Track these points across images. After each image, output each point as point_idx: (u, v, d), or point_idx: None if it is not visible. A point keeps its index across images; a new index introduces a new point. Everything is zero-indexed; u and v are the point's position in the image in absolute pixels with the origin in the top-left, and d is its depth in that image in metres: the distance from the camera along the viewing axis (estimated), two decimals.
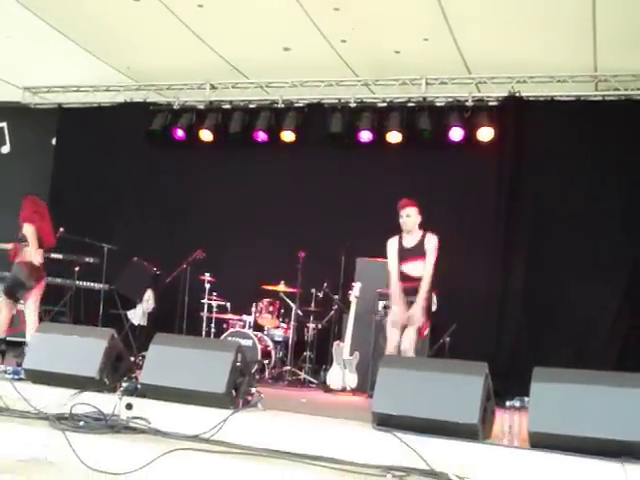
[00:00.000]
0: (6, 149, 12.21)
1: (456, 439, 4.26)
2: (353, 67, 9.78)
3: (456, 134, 9.43)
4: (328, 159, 10.09)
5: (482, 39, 8.50)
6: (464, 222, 9.28)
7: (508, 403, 5.03)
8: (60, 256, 9.84)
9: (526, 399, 4.50)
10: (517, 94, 9.35)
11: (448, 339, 8.32)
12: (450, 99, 9.72)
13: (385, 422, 4.48)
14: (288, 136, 10.16)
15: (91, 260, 9.71)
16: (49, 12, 8.82)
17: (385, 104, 10.04)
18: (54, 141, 11.81)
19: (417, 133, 9.59)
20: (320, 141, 10.10)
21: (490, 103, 9.59)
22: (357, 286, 8.29)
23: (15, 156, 12.09)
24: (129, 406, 4.96)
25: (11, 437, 4.71)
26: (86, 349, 5.41)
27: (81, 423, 4.68)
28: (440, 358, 7.76)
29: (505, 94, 9.44)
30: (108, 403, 4.96)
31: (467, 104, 9.57)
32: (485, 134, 9.36)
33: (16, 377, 5.61)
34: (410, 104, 9.88)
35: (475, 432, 4.27)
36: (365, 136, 9.86)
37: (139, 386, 5.19)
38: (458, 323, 8.36)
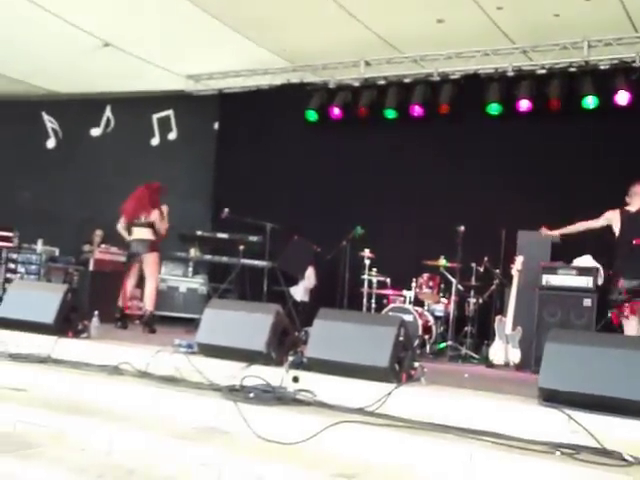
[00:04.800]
0: (173, 135, 12.82)
1: (629, 417, 4.09)
2: (509, 34, 9.48)
3: (623, 98, 8.95)
4: (487, 131, 9.88)
5: None
6: None
7: None
8: (226, 236, 10.26)
9: None
10: None
11: None
12: (615, 61, 9.23)
13: (552, 398, 4.36)
14: (444, 109, 10.02)
15: (255, 239, 10.02)
16: (206, 0, 9.14)
17: (545, 71, 9.68)
18: (216, 126, 12.30)
19: (579, 100, 9.17)
20: (478, 112, 9.88)
21: None
22: (519, 259, 8.09)
23: (181, 142, 12.69)
24: (295, 379, 5.12)
25: (187, 406, 5.00)
26: (254, 324, 5.62)
27: (251, 395, 4.88)
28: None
29: None
30: (275, 376, 5.14)
31: (634, 65, 9.05)
32: None
33: (190, 350, 5.92)
34: (571, 69, 9.47)
35: None
36: (524, 105, 9.56)
37: (305, 360, 5.33)
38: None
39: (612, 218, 7.38)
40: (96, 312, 7.19)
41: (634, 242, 6.97)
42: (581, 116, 9.25)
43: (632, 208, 7.30)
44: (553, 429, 4.19)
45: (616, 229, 7.32)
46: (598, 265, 8.08)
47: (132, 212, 9.02)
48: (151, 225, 9.00)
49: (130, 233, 9.03)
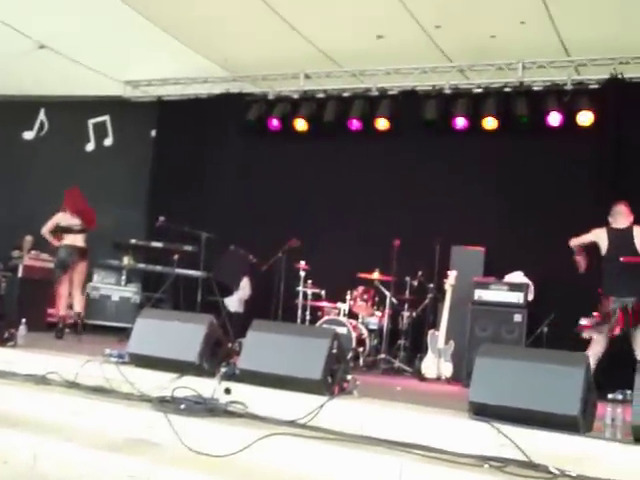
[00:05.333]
0: (108, 141, 12.61)
1: (556, 431, 4.18)
2: (447, 53, 9.65)
3: (554, 119, 9.19)
4: (423, 147, 10.01)
5: (581, 20, 8.22)
6: (562, 210, 9.05)
7: (610, 396, 4.89)
8: (160, 244, 10.14)
9: (629, 392, 4.37)
10: (619, 76, 9.02)
11: (546, 329, 8.13)
12: (548, 83, 9.48)
13: (482, 412, 4.43)
14: (382, 124, 10.12)
15: (189, 248, 9.94)
16: (147, 7, 9.05)
17: (481, 90, 9.87)
18: (154, 133, 12.16)
19: (514, 119, 9.40)
20: (414, 129, 10.01)
21: (590, 86, 9.30)
22: (452, 274, 8.22)
23: (117, 148, 12.47)
24: (228, 391, 5.09)
25: (116, 418, 4.92)
26: (186, 334, 5.56)
27: (182, 406, 4.83)
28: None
29: (607, 76, 9.11)
30: (207, 387, 5.10)
31: (566, 88, 9.31)
32: (585, 118, 9.07)
33: (121, 360, 5.82)
34: (506, 89, 9.69)
35: (575, 424, 4.18)
36: (460, 123, 9.71)
37: (237, 371, 5.30)
38: (556, 312, 8.16)
39: (599, 235, 7.36)
40: (24, 320, 7.01)
41: (621, 259, 7.04)
42: (516, 135, 9.45)
43: (618, 225, 7.31)
44: (482, 442, 4.25)
45: (602, 247, 7.31)
46: (529, 281, 8.27)
47: (84, 214, 8.93)
48: (85, 232, 8.90)
49: (60, 238, 8.87)
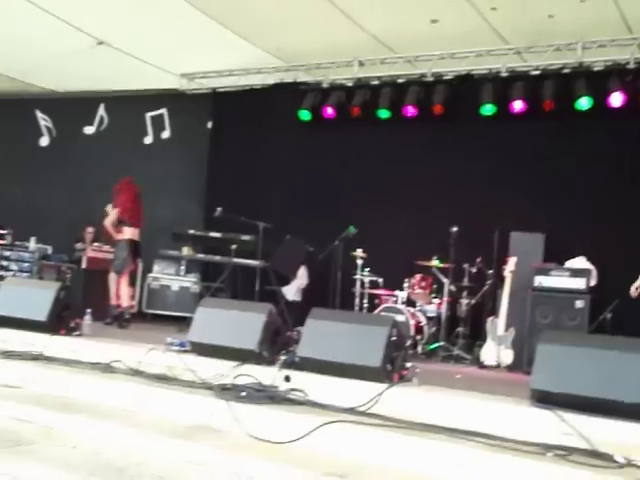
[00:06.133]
0: (166, 134, 12.79)
1: (621, 419, 4.10)
2: (504, 35, 9.47)
3: (617, 99, 8.96)
4: (479, 132, 9.88)
5: None
6: (624, 193, 8.84)
7: None
8: (218, 235, 10.22)
9: None
10: None
11: (610, 315, 7.97)
12: (609, 63, 9.24)
13: (544, 399, 4.38)
14: (438, 109, 10.03)
15: (247, 238, 9.99)
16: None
17: (538, 72, 9.68)
18: (210, 125, 12.28)
19: (573, 101, 9.19)
20: (471, 114, 9.88)
21: None
22: (512, 261, 8.11)
23: (174, 140, 12.66)
24: (287, 378, 5.13)
25: (179, 405, 5.00)
26: (246, 323, 5.63)
27: (243, 394, 4.89)
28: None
29: None
30: (267, 375, 5.16)
31: (629, 67, 9.06)
32: None
33: (182, 349, 5.92)
34: (565, 70, 9.49)
35: None
36: (517, 106, 9.56)
37: (296, 359, 5.33)
38: (621, 298, 7.99)
39: None
40: (89, 310, 7.17)
41: None
42: (575, 117, 9.26)
43: None
44: (545, 430, 4.20)
45: None
46: (591, 267, 8.10)
47: (137, 216, 9.09)
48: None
49: (120, 231, 9.03)
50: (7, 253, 10.94)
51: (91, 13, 9.58)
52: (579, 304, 7.80)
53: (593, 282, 8.02)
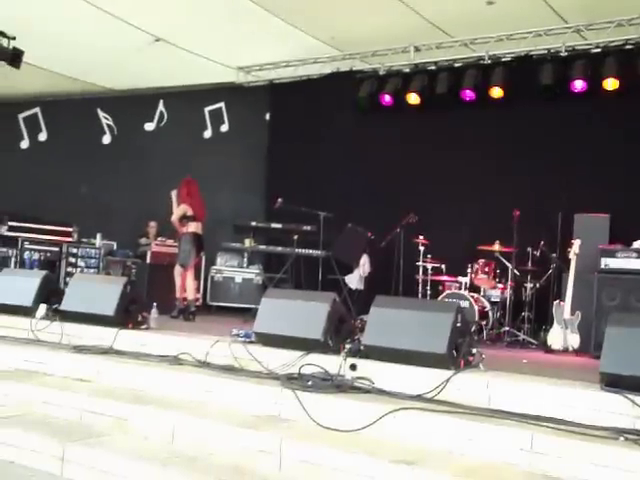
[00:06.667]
0: (225, 127, 12.93)
1: None
2: (562, 14, 9.28)
3: None
4: (539, 114, 9.72)
5: None
6: None
7: None
8: (280, 226, 10.32)
9: None
10: None
11: None
12: None
13: (614, 383, 4.30)
14: (497, 92, 9.91)
15: (309, 228, 10.06)
16: None
17: (599, 49, 9.46)
18: (268, 116, 12.37)
19: (637, 78, 8.95)
20: (531, 95, 9.72)
21: None
22: (577, 243, 7.96)
23: (233, 133, 12.79)
24: (353, 367, 5.15)
25: (246, 395, 5.07)
26: (310, 313, 5.66)
27: (309, 383, 4.93)
28: None
29: None
30: (333, 364, 5.18)
31: None
32: None
33: (247, 340, 5.99)
34: (628, 47, 9.24)
35: None
36: (579, 86, 9.37)
37: (362, 347, 5.35)
38: None
39: None
40: (154, 304, 7.31)
41: None
42: (639, 95, 9.00)
43: None
44: (616, 414, 4.13)
45: None
46: None
47: (200, 210, 9.22)
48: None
49: (185, 226, 9.13)
50: (74, 250, 11.22)
51: (147, 11, 9.74)
52: None
53: None
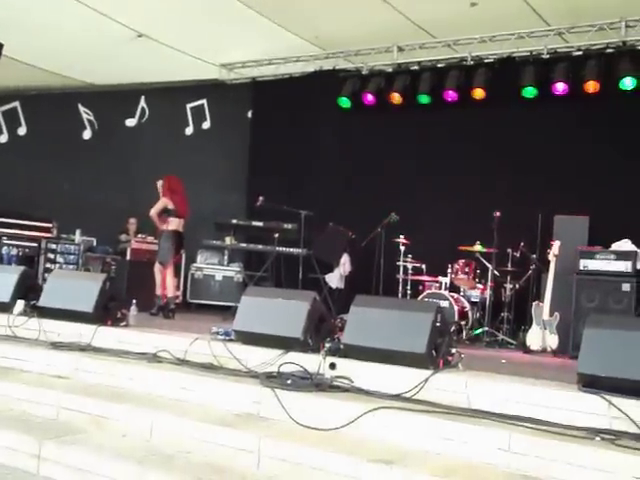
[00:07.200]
0: (206, 124, 12.88)
1: None
2: (544, 16, 9.33)
3: None
4: (521, 115, 9.77)
5: None
6: None
7: None
8: (261, 224, 10.30)
9: None
10: None
11: None
12: None
13: (592, 383, 4.33)
14: (479, 93, 9.94)
15: (290, 227, 10.05)
16: None
17: (581, 52, 9.52)
18: (250, 114, 12.33)
19: (617, 81, 9.03)
20: (512, 97, 9.76)
21: None
22: (556, 244, 8.01)
23: (215, 131, 12.74)
24: (332, 365, 5.15)
25: (225, 393, 5.05)
26: (290, 311, 5.65)
27: (288, 381, 4.92)
28: None
29: None
30: (312, 363, 5.18)
31: None
32: None
33: (227, 338, 5.97)
34: (609, 50, 9.31)
35: None
36: (560, 88, 9.44)
37: (341, 346, 5.35)
38: None
39: None
40: (134, 300, 7.27)
41: None
42: (619, 98, 9.09)
43: None
44: (593, 415, 4.17)
45: None
46: (637, 249, 7.98)
47: (183, 207, 9.17)
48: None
49: (165, 222, 9.06)
50: (53, 246, 11.12)
51: (130, 6, 9.67)
52: (625, 287, 7.69)
53: (639, 265, 7.89)
